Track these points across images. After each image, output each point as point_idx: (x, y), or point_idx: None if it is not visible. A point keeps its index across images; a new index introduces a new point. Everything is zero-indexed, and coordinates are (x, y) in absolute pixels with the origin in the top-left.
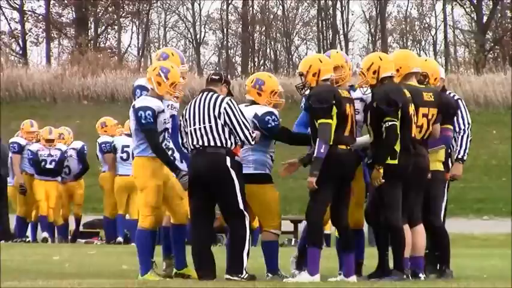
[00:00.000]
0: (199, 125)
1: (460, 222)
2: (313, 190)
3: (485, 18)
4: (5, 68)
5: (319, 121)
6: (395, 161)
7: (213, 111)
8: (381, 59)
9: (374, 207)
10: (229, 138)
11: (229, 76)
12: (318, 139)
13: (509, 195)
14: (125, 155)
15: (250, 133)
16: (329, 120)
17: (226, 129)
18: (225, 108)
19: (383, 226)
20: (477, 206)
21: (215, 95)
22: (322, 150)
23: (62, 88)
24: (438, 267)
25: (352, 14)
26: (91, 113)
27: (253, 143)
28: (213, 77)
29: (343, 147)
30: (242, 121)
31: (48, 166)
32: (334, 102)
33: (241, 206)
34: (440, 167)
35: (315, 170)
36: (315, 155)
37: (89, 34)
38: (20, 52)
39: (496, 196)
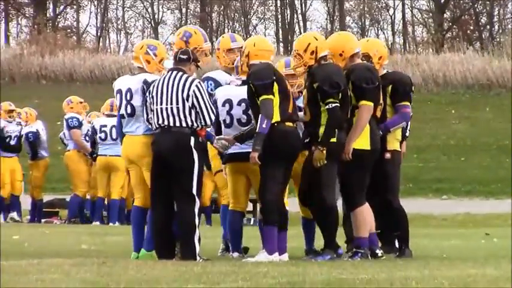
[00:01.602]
0: (166, 105)
1: (419, 202)
2: (255, 164)
3: None
4: None
5: (261, 98)
6: (334, 139)
7: (181, 92)
8: (316, 39)
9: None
10: (196, 121)
11: None
12: (260, 115)
13: (467, 175)
14: (103, 135)
15: (213, 117)
16: (270, 96)
17: (193, 112)
18: (194, 90)
19: (318, 206)
20: (436, 185)
21: (184, 76)
22: (264, 126)
23: (20, 68)
24: (398, 247)
25: None
26: (50, 93)
27: (211, 125)
28: (181, 56)
29: (290, 124)
30: (209, 104)
31: (12, 142)
32: (274, 78)
33: (194, 190)
34: (397, 146)
35: (257, 145)
36: (257, 130)
37: (48, 14)
38: None
39: (454, 176)
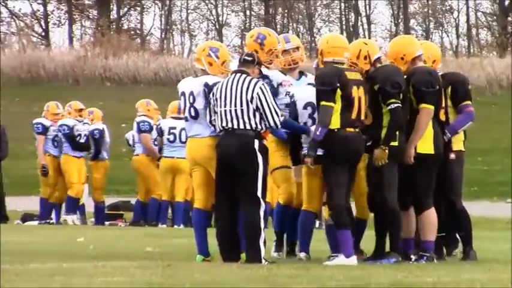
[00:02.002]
0: (231, 107)
1: (483, 205)
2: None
3: (507, 1)
4: (27, 49)
5: (321, 103)
6: (396, 143)
7: (245, 94)
8: (366, 44)
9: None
10: (260, 123)
11: None
12: (316, 121)
13: None
14: (171, 137)
15: (279, 118)
16: (330, 103)
17: (257, 114)
18: (257, 93)
19: (380, 208)
20: (500, 189)
21: (248, 78)
22: (318, 133)
23: (84, 70)
24: (462, 249)
25: None
26: (113, 95)
27: (280, 127)
28: (246, 58)
29: (351, 129)
30: (273, 106)
31: (81, 141)
32: (338, 85)
33: (259, 193)
34: (462, 146)
35: (311, 151)
36: (312, 136)
37: (111, 16)
38: (43, 34)
39: None
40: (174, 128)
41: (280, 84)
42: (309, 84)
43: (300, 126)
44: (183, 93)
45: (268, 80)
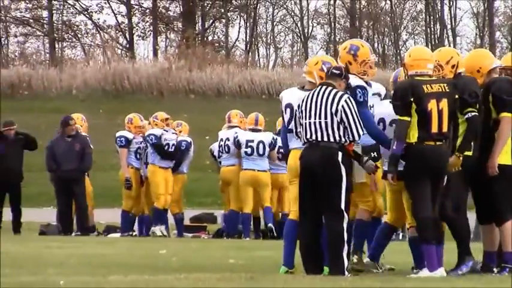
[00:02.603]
0: (315, 119)
1: None
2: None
3: None
4: (111, 61)
5: (398, 118)
6: (470, 153)
7: (330, 107)
8: (458, 55)
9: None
10: (344, 136)
11: None
12: (393, 136)
13: None
14: (249, 150)
15: (361, 132)
16: (405, 118)
17: (341, 126)
18: (342, 105)
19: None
20: None
21: (334, 91)
22: (394, 147)
23: (168, 82)
24: None
25: (460, 9)
26: (198, 107)
27: (359, 141)
28: (334, 71)
29: (430, 143)
30: (357, 120)
31: (170, 150)
32: (412, 99)
33: (343, 206)
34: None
35: (390, 166)
36: (390, 151)
37: (196, 28)
38: (127, 46)
39: None
40: (252, 140)
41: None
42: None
43: (384, 136)
44: (290, 105)
45: (362, 91)
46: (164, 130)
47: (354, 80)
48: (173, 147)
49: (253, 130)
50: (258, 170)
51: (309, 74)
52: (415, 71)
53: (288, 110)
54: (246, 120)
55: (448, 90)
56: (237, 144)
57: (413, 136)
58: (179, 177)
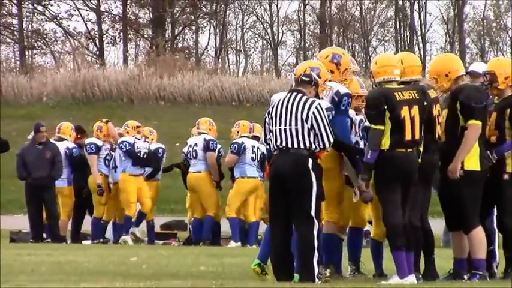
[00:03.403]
0: (285, 126)
1: None
2: (366, 198)
3: None
4: (81, 68)
5: (370, 127)
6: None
7: (301, 114)
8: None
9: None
10: (314, 142)
11: None
12: (367, 145)
13: None
14: (254, 156)
15: (332, 140)
16: (378, 126)
17: (312, 133)
18: (313, 112)
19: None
20: None
21: (304, 97)
22: (368, 156)
23: (138, 89)
24: (504, 269)
25: (430, 15)
26: (168, 114)
27: (329, 149)
28: (303, 78)
29: (402, 150)
30: (328, 127)
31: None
32: (385, 107)
33: (313, 213)
34: None
35: (364, 174)
36: (363, 160)
37: (166, 35)
38: (97, 53)
39: None
40: (254, 147)
41: None
42: None
43: (354, 147)
44: None
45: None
46: (136, 138)
47: (342, 88)
48: (145, 155)
49: (254, 137)
50: (260, 179)
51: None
52: (382, 77)
53: None
54: (236, 128)
55: (418, 97)
56: (242, 150)
57: (385, 143)
58: (153, 184)
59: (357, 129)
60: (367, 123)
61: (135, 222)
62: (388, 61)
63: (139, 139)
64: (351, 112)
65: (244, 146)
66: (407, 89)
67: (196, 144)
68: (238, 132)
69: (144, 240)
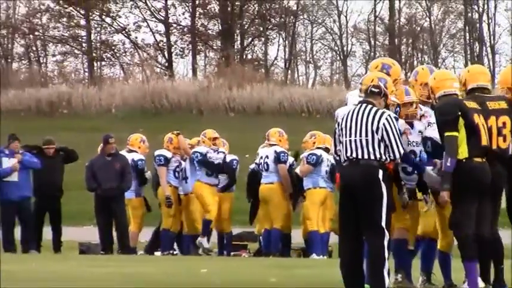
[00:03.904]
0: (355, 137)
1: None
2: (445, 204)
3: None
4: (150, 80)
5: (445, 134)
6: None
7: (371, 125)
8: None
9: None
10: (384, 154)
11: None
12: (444, 153)
13: None
14: (328, 169)
15: (402, 151)
16: (454, 133)
17: (382, 144)
18: (384, 123)
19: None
20: None
21: (374, 109)
22: (448, 164)
23: (208, 100)
24: None
25: (499, 26)
26: (237, 125)
27: (399, 160)
28: (373, 89)
29: (479, 160)
30: (398, 138)
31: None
32: (459, 113)
33: (383, 223)
34: None
35: (445, 184)
36: (443, 169)
37: (235, 46)
38: (166, 64)
39: None
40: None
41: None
42: None
43: (417, 163)
44: None
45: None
46: (211, 149)
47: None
48: (218, 165)
49: (325, 149)
50: (330, 190)
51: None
52: (442, 91)
53: None
54: (312, 139)
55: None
56: (320, 161)
57: (463, 152)
58: (228, 195)
59: (408, 138)
60: (427, 134)
61: (204, 232)
62: (446, 75)
63: (214, 150)
64: (401, 121)
65: (322, 158)
66: (471, 99)
67: (267, 156)
68: (314, 143)
69: (213, 251)
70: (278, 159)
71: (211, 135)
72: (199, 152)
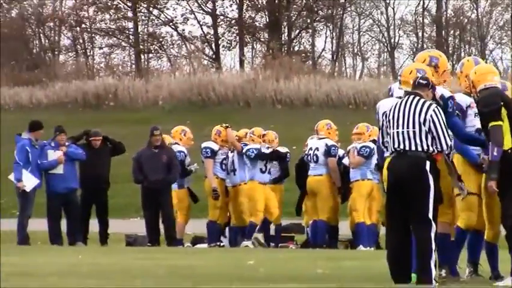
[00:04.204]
0: (403, 128)
1: None
2: (493, 194)
3: None
4: (197, 72)
5: (490, 124)
6: None
7: (418, 117)
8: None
9: None
10: (431, 145)
11: None
12: (490, 143)
13: None
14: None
15: (450, 142)
16: (499, 122)
17: (430, 136)
18: (431, 115)
19: None
20: None
21: (422, 100)
22: (495, 153)
23: (255, 92)
24: None
25: None
26: (285, 117)
27: (447, 151)
28: (421, 81)
29: None
30: (446, 129)
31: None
32: (502, 104)
33: (431, 215)
34: None
35: (493, 173)
36: (490, 158)
37: (283, 38)
38: (213, 56)
39: None
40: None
41: (469, 106)
42: None
43: (479, 137)
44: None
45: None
46: (262, 146)
47: (445, 92)
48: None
49: (372, 141)
50: (376, 181)
51: (404, 84)
52: (483, 85)
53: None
54: (369, 132)
55: None
56: (372, 154)
57: (508, 143)
58: (278, 187)
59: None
60: (479, 125)
61: (260, 228)
62: (487, 69)
63: (267, 147)
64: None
65: (374, 150)
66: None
67: (317, 149)
68: (370, 135)
69: (265, 245)
70: (328, 152)
71: (259, 133)
72: (254, 148)
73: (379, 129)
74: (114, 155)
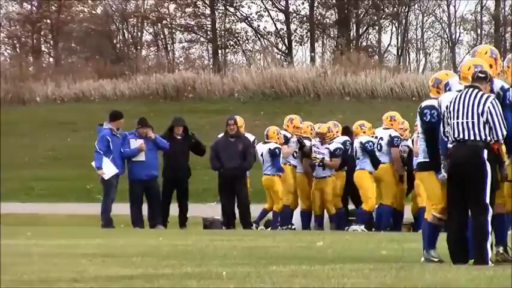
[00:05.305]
0: (462, 119)
1: None
2: None
3: None
4: (271, 66)
5: None
6: None
7: (477, 108)
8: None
9: None
10: (489, 135)
11: None
12: None
13: None
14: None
15: (505, 132)
16: None
17: (487, 126)
18: (489, 107)
19: None
20: None
21: (480, 93)
22: None
23: (324, 85)
24: None
25: None
26: (352, 108)
27: (502, 140)
28: (480, 75)
29: None
30: (502, 120)
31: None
32: None
33: (487, 200)
34: None
35: None
36: None
37: (351, 34)
38: (286, 51)
39: None
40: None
41: None
42: None
43: None
44: None
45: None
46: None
47: (504, 83)
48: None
49: None
50: None
51: (464, 79)
52: None
53: None
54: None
55: None
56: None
57: None
58: (341, 173)
59: None
60: None
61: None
62: None
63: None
64: None
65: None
66: None
67: (381, 138)
68: None
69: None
70: (391, 142)
71: (370, 125)
72: (372, 142)
73: (441, 121)
74: (193, 152)
